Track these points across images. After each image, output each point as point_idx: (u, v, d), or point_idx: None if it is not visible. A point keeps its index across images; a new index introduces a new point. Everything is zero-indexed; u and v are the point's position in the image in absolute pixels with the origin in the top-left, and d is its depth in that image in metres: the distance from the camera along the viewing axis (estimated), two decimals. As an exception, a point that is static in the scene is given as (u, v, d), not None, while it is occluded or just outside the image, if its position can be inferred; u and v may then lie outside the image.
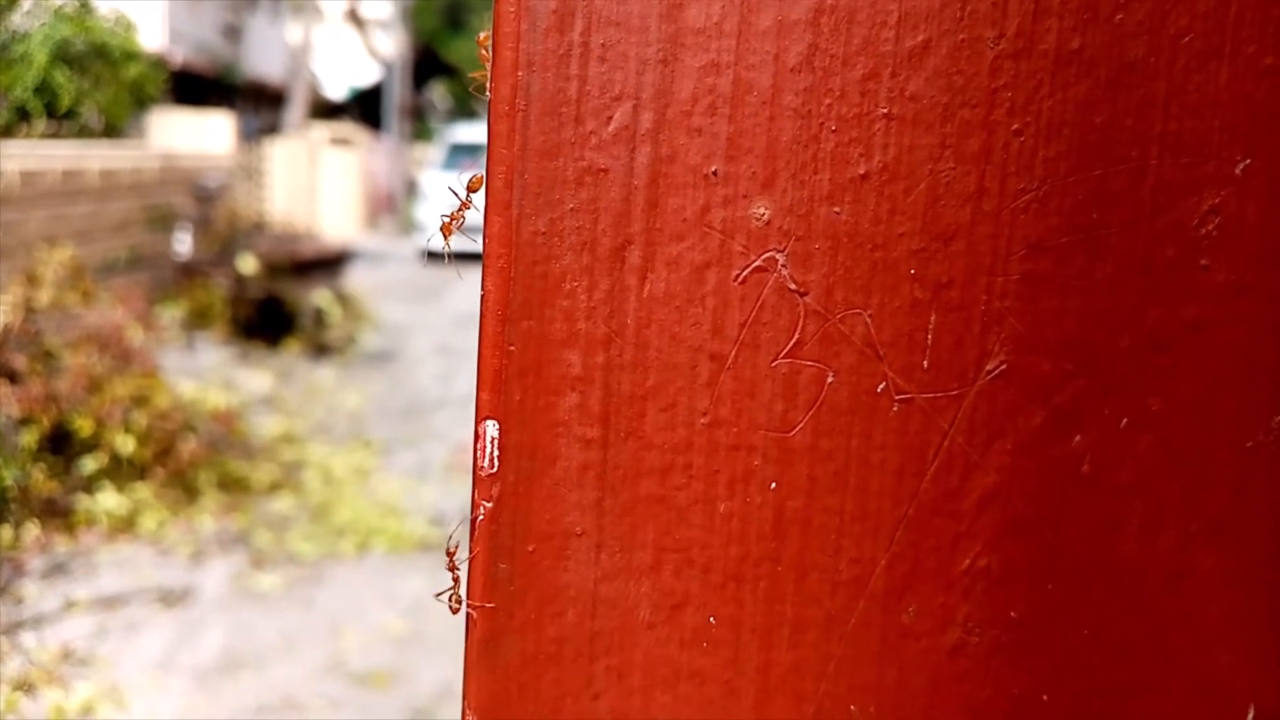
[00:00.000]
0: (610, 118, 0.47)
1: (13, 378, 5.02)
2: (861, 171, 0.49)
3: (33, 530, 4.89)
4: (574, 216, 0.48)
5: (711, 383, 0.49)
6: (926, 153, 0.49)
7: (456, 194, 0.51)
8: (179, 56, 15.14)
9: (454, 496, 5.82)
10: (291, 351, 8.31)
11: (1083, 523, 0.53)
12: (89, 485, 5.15)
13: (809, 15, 0.48)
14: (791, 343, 0.49)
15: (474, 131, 18.01)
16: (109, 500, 5.07)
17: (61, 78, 7.27)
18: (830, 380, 0.50)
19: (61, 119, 7.77)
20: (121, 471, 5.21)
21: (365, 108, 25.04)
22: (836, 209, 0.49)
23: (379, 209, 20.01)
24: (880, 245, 0.49)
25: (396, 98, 21.14)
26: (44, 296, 5.31)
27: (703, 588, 0.50)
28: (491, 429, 0.48)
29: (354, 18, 25.02)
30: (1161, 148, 0.50)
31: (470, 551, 0.49)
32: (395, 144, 20.98)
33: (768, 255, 0.49)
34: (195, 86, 16.29)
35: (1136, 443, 0.53)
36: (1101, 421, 0.52)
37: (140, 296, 6.62)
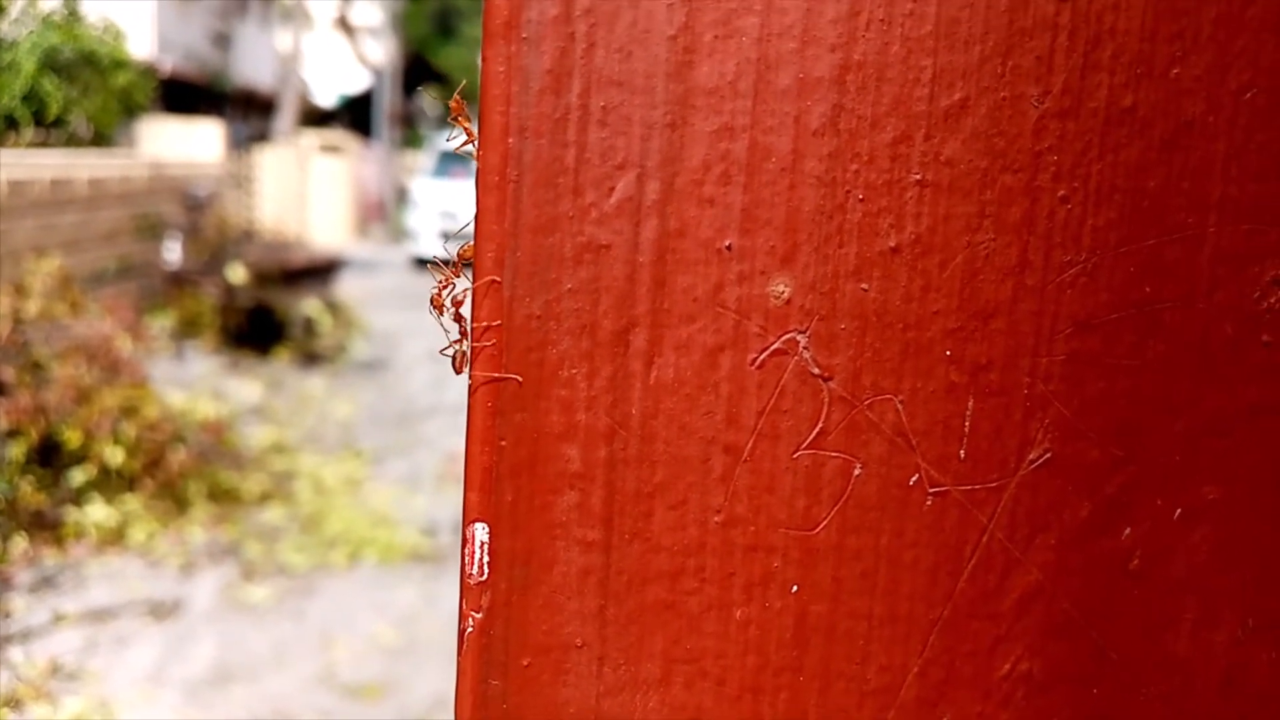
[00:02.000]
0: (612, 188, 0.42)
1: (1, 389, 4.96)
2: (892, 244, 0.44)
3: (20, 543, 4.83)
4: (572, 297, 0.43)
5: (726, 477, 0.44)
6: (964, 222, 0.44)
7: (442, 264, 0.46)
8: (168, 64, 15.05)
9: (446, 505, 5.76)
10: (282, 360, 8.23)
11: (1131, 622, 0.48)
12: (78, 497, 5.09)
13: (833, 73, 0.43)
14: (814, 432, 0.44)
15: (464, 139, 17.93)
16: (98, 512, 5.01)
17: (50, 86, 7.19)
18: (857, 472, 0.45)
19: (50, 127, 7.69)
20: (111, 483, 5.15)
21: (355, 115, 24.96)
22: (864, 285, 0.44)
23: (369, 216, 19.97)
24: (912, 324, 0.44)
25: (386, 105, 21.04)
26: (32, 307, 5.24)
27: (717, 702, 0.45)
28: (481, 532, 0.43)
29: (344, 25, 24.93)
30: (1220, 214, 0.45)
31: (458, 666, 0.44)
32: (385, 151, 20.89)
33: (788, 337, 0.44)
34: (184, 94, 16.19)
35: (1190, 535, 0.48)
36: (1153, 513, 0.47)
37: (129, 306, 6.55)
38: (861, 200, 0.43)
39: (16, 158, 7.03)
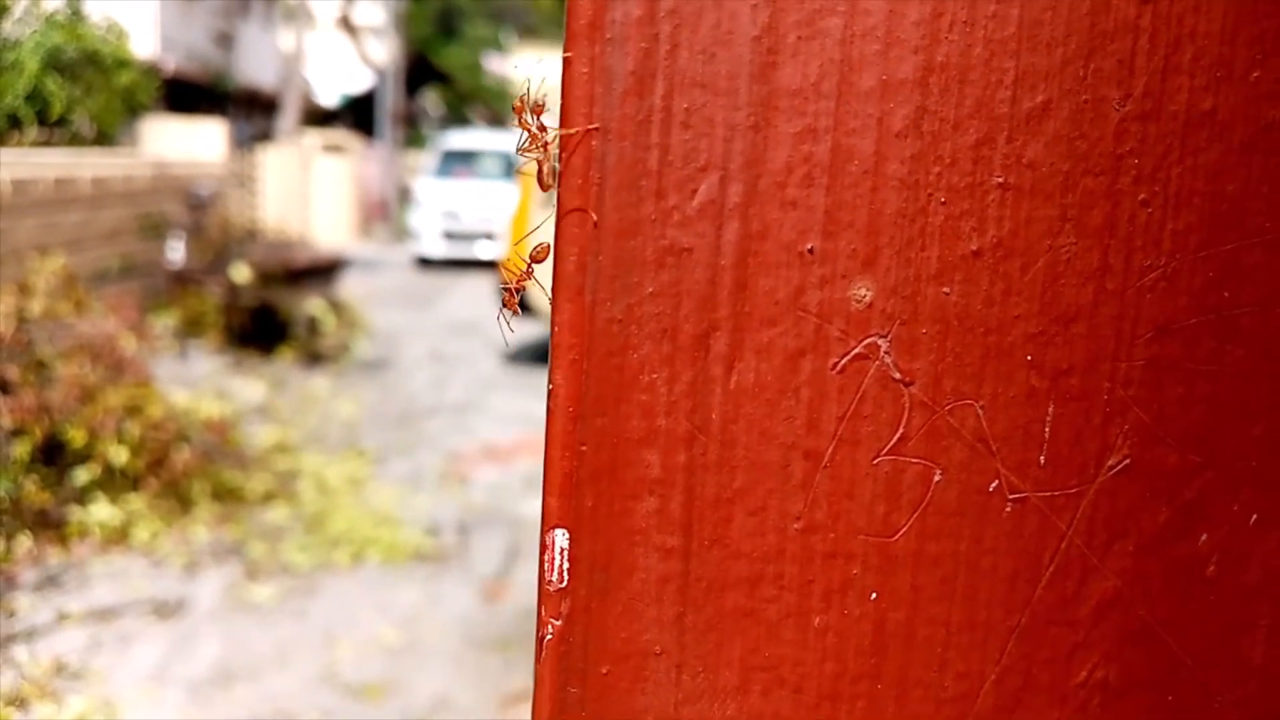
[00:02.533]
0: (695, 191, 0.42)
1: (5, 388, 4.95)
2: (974, 247, 0.43)
3: (25, 542, 4.82)
4: (654, 301, 0.42)
5: (806, 483, 0.44)
6: (1045, 226, 0.44)
7: (514, 269, 0.46)
8: (171, 64, 15.03)
9: (449, 505, 5.76)
10: (285, 360, 8.21)
11: (1207, 628, 0.48)
12: (82, 496, 5.08)
13: (917, 74, 0.42)
14: (895, 438, 0.44)
15: (467, 138, 17.98)
16: (102, 511, 5.00)
17: (53, 85, 7.17)
18: (937, 479, 0.44)
19: (53, 127, 7.67)
20: (115, 482, 5.14)
21: (358, 114, 24.93)
22: (945, 289, 0.43)
23: (372, 216, 19.97)
24: (994, 329, 0.44)
25: (389, 104, 21.02)
26: (36, 306, 5.23)
27: (794, 709, 0.45)
28: (561, 538, 0.42)
29: (346, 24, 24.90)
30: (1301, 216, 0.45)
31: (536, 673, 0.43)
32: (388, 151, 20.87)
33: (869, 341, 0.43)
34: (187, 94, 16.17)
35: (1266, 541, 0.47)
36: (1230, 518, 0.47)
37: (133, 305, 6.54)
38: (944, 203, 0.43)
39: (20, 157, 7.00)
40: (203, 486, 5.33)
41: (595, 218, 0.41)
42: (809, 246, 0.43)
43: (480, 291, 12.81)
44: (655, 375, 0.42)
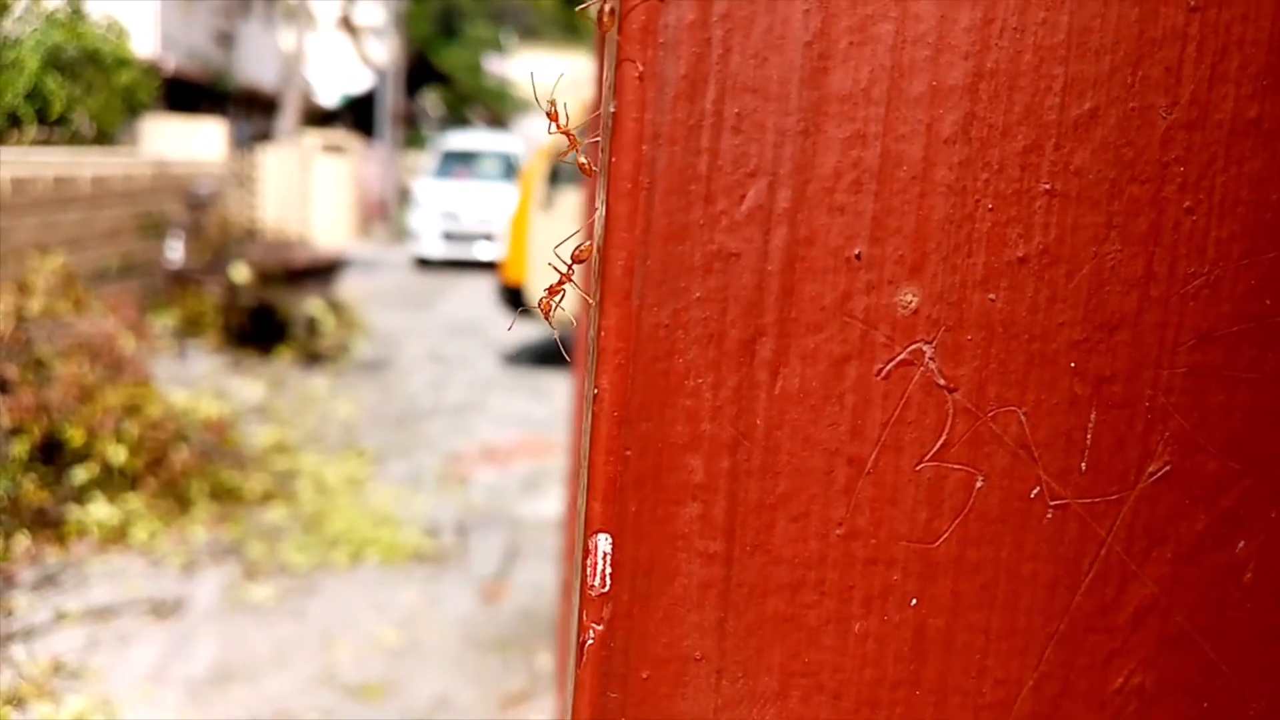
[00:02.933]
0: (744, 196, 0.41)
1: (4, 387, 4.94)
2: (1020, 254, 0.43)
3: (23, 541, 4.81)
4: (700, 306, 0.42)
5: (849, 489, 0.44)
6: (1091, 233, 0.44)
7: (558, 268, 0.46)
8: (171, 63, 15.01)
9: (447, 506, 5.75)
10: (284, 360, 8.20)
11: (1244, 635, 0.48)
12: (80, 495, 5.06)
13: (966, 80, 0.42)
14: (938, 444, 0.44)
15: (466, 139, 17.99)
16: (100, 510, 4.99)
17: (53, 84, 7.16)
18: (979, 485, 0.44)
19: (53, 125, 7.66)
20: (113, 481, 5.13)
21: (358, 114, 24.91)
22: (991, 295, 0.43)
23: (371, 216, 19.96)
24: (1038, 336, 0.44)
25: (389, 105, 21.00)
26: (35, 305, 5.22)
27: (834, 714, 0.45)
28: (604, 543, 0.42)
29: (347, 25, 24.88)
30: (1344, 226, 0.45)
31: (576, 678, 0.43)
32: (388, 151, 20.85)
33: (914, 347, 0.43)
34: (188, 93, 16.15)
35: (1305, 548, 0.47)
36: (1268, 525, 0.47)
37: (132, 304, 6.53)
38: (991, 210, 0.43)
39: (20, 155, 6.99)
40: (201, 486, 5.32)
41: (644, 222, 0.41)
42: (856, 252, 0.43)
43: (479, 292, 12.81)
44: (701, 380, 0.42)
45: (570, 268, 0.47)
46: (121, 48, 8.19)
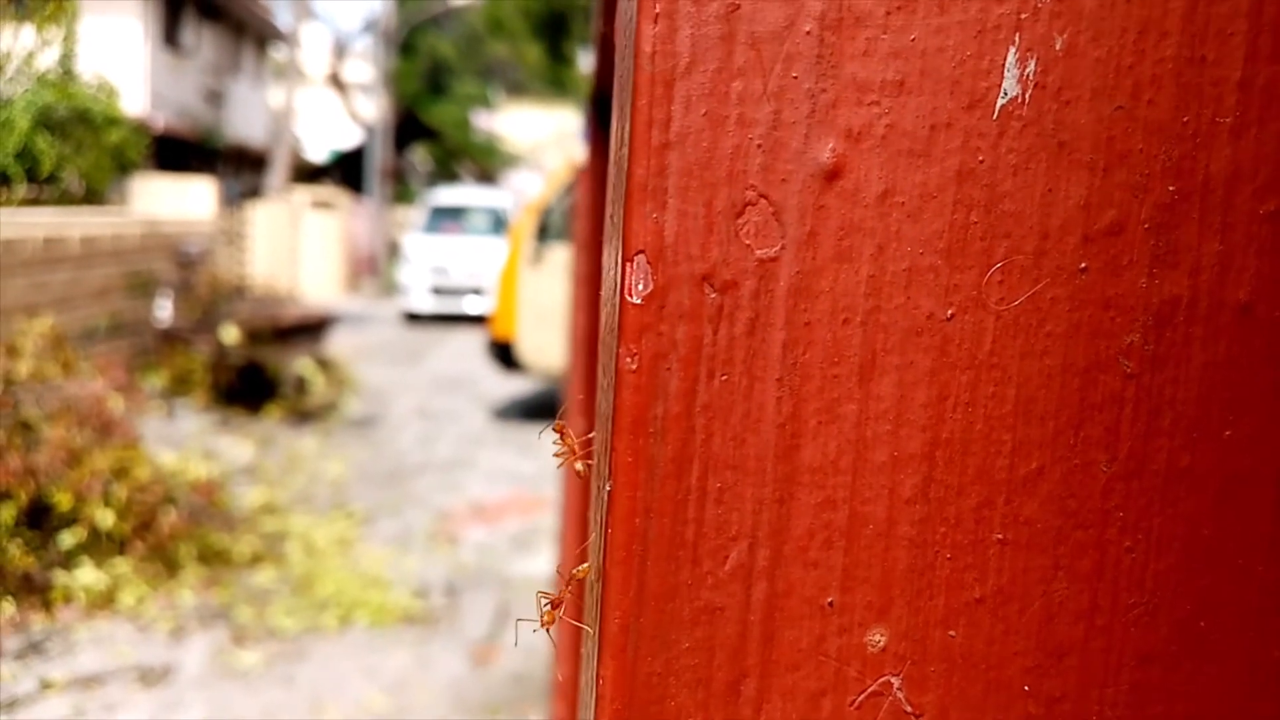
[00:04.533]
0: (727, 557, 0.46)
1: (-9, 454, 4.94)
2: (977, 595, 0.48)
3: (8, 608, 4.80)
4: (689, 655, 0.47)
5: (825, 810, 0.48)
6: (1040, 574, 0.49)
7: (548, 595, 0.50)
8: (161, 121, 15.10)
9: (437, 566, 5.76)
10: (273, 418, 8.21)
11: None
12: (67, 560, 5.06)
13: (924, 449, 0.47)
14: (906, 766, 0.48)
15: (455, 195, 18.09)
16: (87, 575, 4.99)
17: (43, 143, 7.21)
18: (944, 801, 0.49)
19: (43, 184, 7.71)
20: (101, 546, 5.13)
21: (347, 170, 25.04)
22: (952, 632, 0.48)
23: (361, 271, 20.02)
24: (995, 665, 0.49)
25: (378, 160, 21.13)
26: (23, 368, 5.24)
27: None
28: None
29: (336, 81, 25.06)
30: (1270, 554, 0.50)
31: None
32: (377, 206, 20.95)
33: (883, 680, 0.48)
34: (177, 150, 16.23)
35: (1243, 837, 0.52)
36: (1209, 819, 0.52)
37: (121, 364, 6.55)
38: (949, 558, 0.48)
39: (9, 216, 7.03)
40: (189, 549, 5.32)
41: (638, 584, 0.46)
42: (829, 600, 0.47)
43: (469, 347, 12.84)
44: None
45: (565, 586, 0.52)
46: (111, 106, 8.26)
